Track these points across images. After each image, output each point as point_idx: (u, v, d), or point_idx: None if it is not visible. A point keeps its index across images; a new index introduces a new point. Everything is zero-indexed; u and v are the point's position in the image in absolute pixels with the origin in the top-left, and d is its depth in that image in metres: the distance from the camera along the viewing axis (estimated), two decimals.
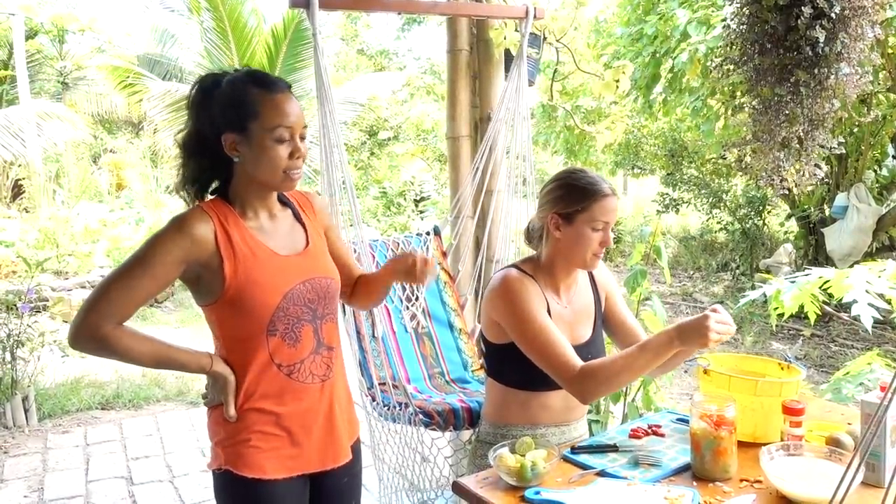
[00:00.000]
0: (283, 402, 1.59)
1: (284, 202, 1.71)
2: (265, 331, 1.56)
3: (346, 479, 1.75)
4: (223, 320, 1.57)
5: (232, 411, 1.56)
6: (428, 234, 3.00)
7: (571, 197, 1.84)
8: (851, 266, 2.26)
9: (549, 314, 1.86)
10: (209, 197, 1.62)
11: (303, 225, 1.71)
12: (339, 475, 1.72)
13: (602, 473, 1.61)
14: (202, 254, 1.52)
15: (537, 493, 1.52)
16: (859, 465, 0.90)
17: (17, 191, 11.40)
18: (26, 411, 4.44)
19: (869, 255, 6.41)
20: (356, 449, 1.78)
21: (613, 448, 1.73)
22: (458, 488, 1.63)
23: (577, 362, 1.74)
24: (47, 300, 6.64)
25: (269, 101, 1.53)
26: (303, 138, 1.58)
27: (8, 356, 4.35)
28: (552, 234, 1.88)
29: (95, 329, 1.47)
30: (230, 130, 1.53)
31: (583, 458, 1.69)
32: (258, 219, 1.62)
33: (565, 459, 1.69)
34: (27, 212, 10.65)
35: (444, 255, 3.02)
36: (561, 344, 1.77)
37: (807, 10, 2.33)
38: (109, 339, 1.48)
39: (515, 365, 1.87)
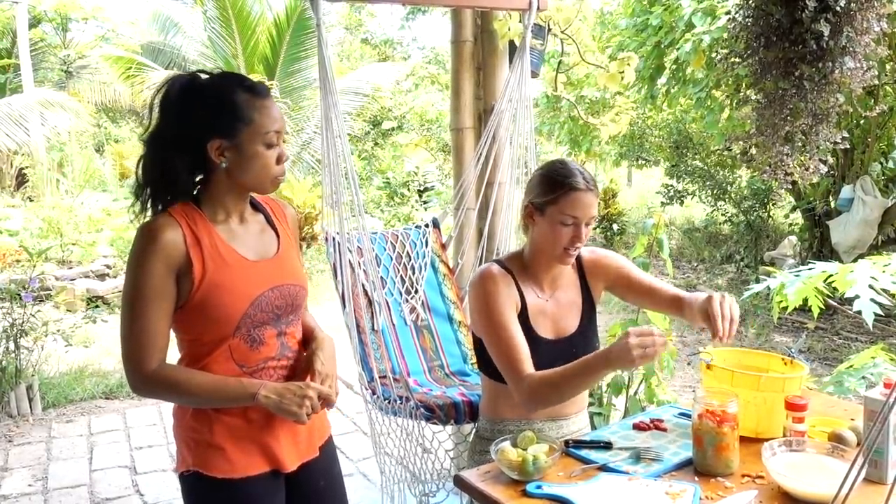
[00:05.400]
0: None
1: (256, 206, 1.69)
2: (231, 335, 1.54)
3: (323, 482, 1.73)
4: (190, 323, 1.54)
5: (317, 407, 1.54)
6: (427, 226, 3.00)
7: (544, 187, 1.85)
8: (856, 259, 2.25)
9: (527, 308, 1.87)
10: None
11: (275, 230, 1.69)
12: (314, 477, 1.71)
13: (604, 468, 1.61)
14: (177, 259, 1.50)
15: (539, 487, 1.52)
16: (864, 464, 0.90)
17: (20, 179, 11.42)
18: (30, 400, 4.46)
19: (874, 248, 6.38)
20: (328, 450, 1.76)
21: (608, 445, 1.72)
22: (459, 482, 1.62)
23: (528, 368, 1.76)
24: (51, 289, 6.64)
25: (262, 107, 1.53)
26: (283, 141, 1.59)
27: (12, 345, 4.37)
28: (527, 223, 1.90)
29: (139, 371, 1.49)
30: (219, 136, 1.51)
31: (584, 452, 1.69)
32: (228, 223, 1.59)
33: (567, 454, 1.69)
34: (31, 200, 10.67)
35: (443, 247, 3.01)
36: (517, 347, 1.79)
37: (811, 3, 2.31)
38: (157, 375, 1.50)
39: None
